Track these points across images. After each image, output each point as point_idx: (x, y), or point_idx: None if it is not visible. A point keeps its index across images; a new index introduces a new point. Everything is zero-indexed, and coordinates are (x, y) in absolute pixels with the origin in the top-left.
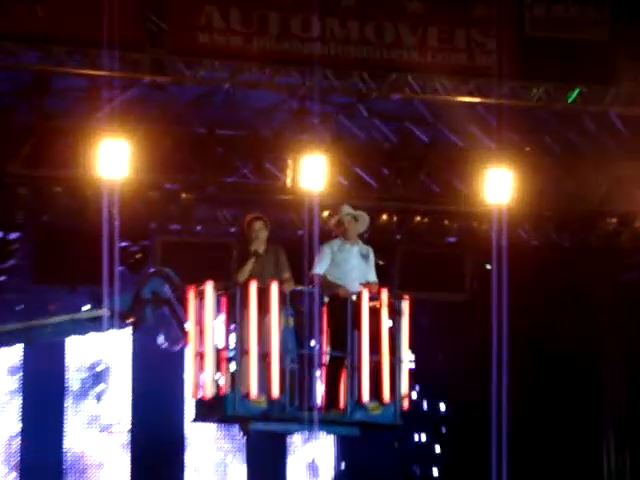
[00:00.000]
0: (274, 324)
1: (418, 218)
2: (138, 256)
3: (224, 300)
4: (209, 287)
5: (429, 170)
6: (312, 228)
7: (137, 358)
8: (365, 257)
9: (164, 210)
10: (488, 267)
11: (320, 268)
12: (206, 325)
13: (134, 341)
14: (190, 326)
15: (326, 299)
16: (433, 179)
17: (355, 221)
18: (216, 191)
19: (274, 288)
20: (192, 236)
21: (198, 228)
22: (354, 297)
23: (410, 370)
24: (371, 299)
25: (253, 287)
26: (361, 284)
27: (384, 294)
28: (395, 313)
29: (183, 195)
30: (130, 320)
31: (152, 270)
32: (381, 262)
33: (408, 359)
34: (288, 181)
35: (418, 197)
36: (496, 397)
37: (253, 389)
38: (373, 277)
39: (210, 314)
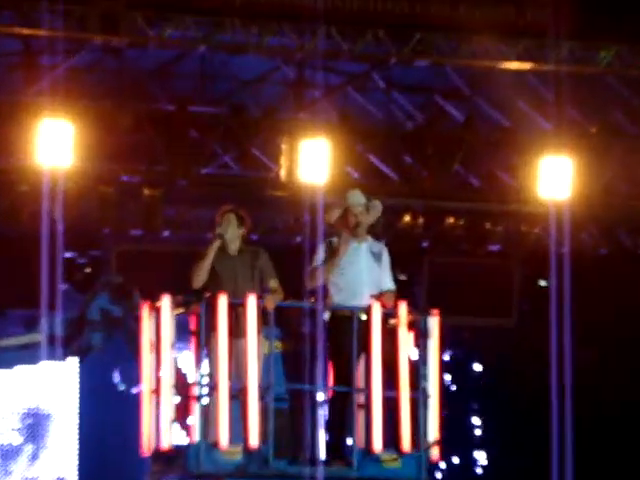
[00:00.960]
0: (251, 349)
1: (451, 220)
2: (87, 270)
3: (193, 320)
4: (165, 303)
5: (465, 158)
6: (314, 234)
7: (85, 400)
8: (377, 257)
9: (121, 210)
10: (543, 283)
11: (321, 263)
12: (162, 352)
13: (81, 378)
14: (144, 355)
15: (325, 316)
16: (470, 169)
17: (366, 212)
18: (188, 186)
19: (251, 301)
20: (157, 244)
21: (165, 234)
22: (363, 316)
23: (441, 410)
24: (386, 315)
25: (223, 301)
26: (372, 296)
27: (403, 308)
28: (419, 334)
29: (146, 191)
30: (74, 348)
31: (102, 281)
32: (402, 277)
33: (436, 394)
34: (282, 173)
35: (451, 193)
36: (557, 455)
37: (223, 437)
38: (388, 284)
39: (167, 338)
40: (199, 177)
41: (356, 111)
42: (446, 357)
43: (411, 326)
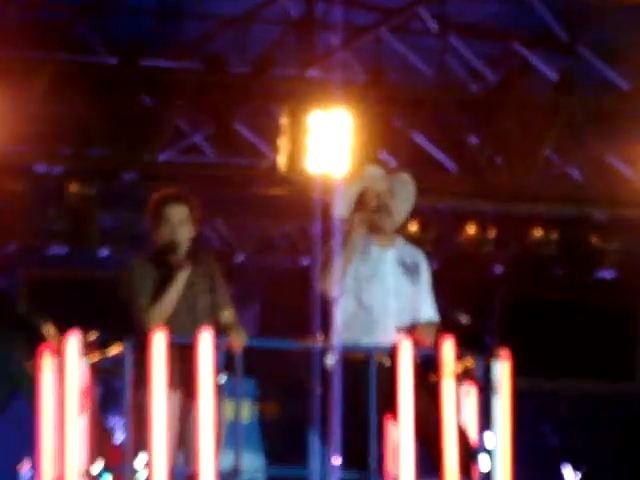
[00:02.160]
0: (205, 414)
1: (538, 232)
2: None
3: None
4: (72, 344)
5: (559, 137)
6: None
7: None
8: (410, 270)
9: (35, 217)
10: None
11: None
12: (66, 421)
13: None
14: (42, 425)
15: (329, 362)
16: (567, 155)
17: (392, 196)
18: (138, 180)
19: (204, 339)
20: (90, 268)
21: (103, 253)
22: (386, 360)
23: None
24: (423, 361)
25: (160, 339)
26: (402, 329)
27: (449, 347)
28: (478, 387)
29: (72, 188)
30: None
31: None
32: (463, 318)
33: None
34: (280, 160)
35: (538, 191)
36: None
37: None
38: (428, 312)
39: (72, 398)
40: (154, 167)
41: (394, 66)
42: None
43: (466, 377)
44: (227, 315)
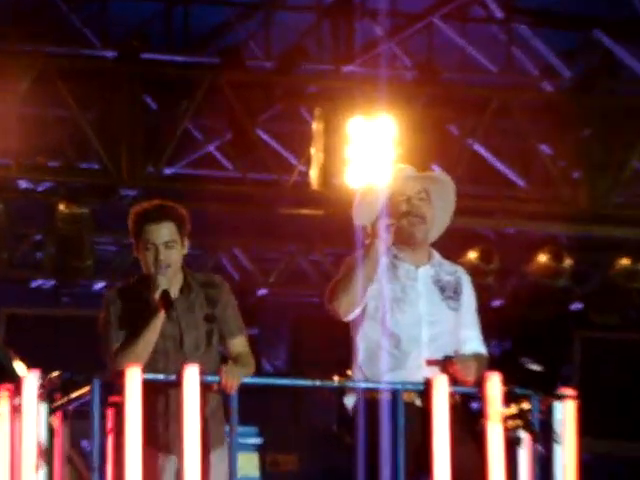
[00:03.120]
0: (190, 471)
1: (624, 261)
2: None
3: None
4: (30, 385)
5: None
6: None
7: None
8: (448, 289)
9: (16, 241)
10: None
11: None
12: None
13: None
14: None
15: (349, 402)
16: None
17: (427, 200)
18: (140, 198)
19: (190, 376)
20: (85, 304)
21: (97, 286)
22: (417, 401)
23: None
24: (464, 401)
25: (134, 376)
26: (436, 363)
27: (495, 384)
28: (534, 435)
29: (62, 207)
30: None
31: None
32: (534, 366)
33: None
34: (313, 174)
35: (624, 210)
36: None
37: None
38: (472, 342)
39: (29, 453)
40: (159, 182)
41: (449, 61)
42: None
43: (519, 422)
44: (236, 344)
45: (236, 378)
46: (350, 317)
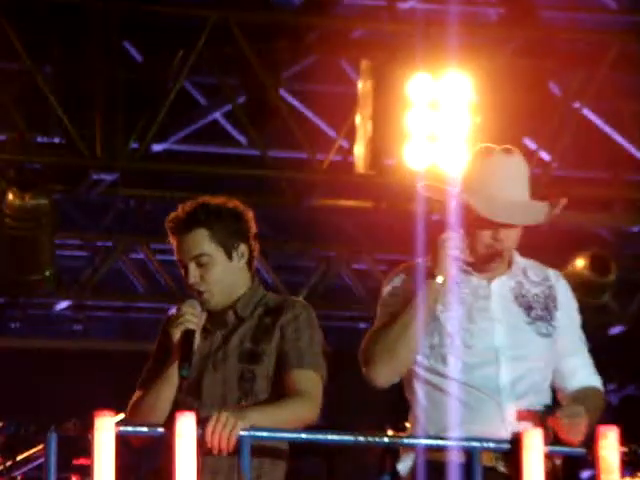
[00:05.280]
0: None
1: None
2: None
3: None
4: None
5: None
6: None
7: None
8: (536, 306)
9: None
10: None
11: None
12: None
13: None
14: None
15: (405, 467)
16: None
17: (516, 229)
18: (119, 182)
19: (185, 424)
20: (55, 337)
21: (60, 305)
22: (500, 465)
23: None
24: (565, 463)
25: (105, 428)
26: (528, 413)
27: (613, 444)
28: None
29: (11, 196)
30: None
31: None
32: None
33: None
34: (357, 150)
35: None
36: None
37: None
38: (583, 374)
39: None
40: (146, 161)
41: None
42: None
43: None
44: (292, 378)
45: (227, 429)
46: (394, 380)
